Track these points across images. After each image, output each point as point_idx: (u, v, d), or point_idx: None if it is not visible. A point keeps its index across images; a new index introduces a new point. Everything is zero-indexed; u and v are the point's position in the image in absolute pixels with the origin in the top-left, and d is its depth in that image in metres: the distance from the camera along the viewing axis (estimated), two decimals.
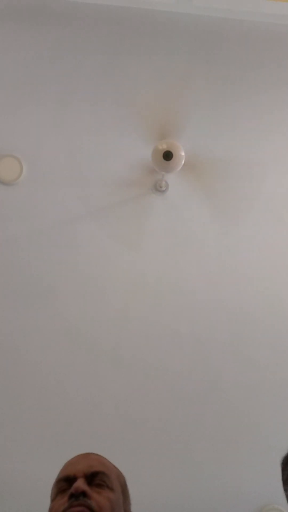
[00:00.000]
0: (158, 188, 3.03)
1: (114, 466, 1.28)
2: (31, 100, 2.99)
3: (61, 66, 2.98)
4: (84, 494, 1.10)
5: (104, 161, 3.03)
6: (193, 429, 3.05)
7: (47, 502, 1.22)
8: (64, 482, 1.17)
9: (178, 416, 3.04)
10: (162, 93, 3.00)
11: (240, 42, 3.03)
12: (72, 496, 1.11)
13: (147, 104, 2.97)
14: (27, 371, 2.97)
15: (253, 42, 3.04)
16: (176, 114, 2.96)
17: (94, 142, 3.02)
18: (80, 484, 1.12)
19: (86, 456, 1.24)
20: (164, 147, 2.81)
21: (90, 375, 3.01)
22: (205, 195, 3.05)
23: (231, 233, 3.10)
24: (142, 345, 3.03)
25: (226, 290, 3.09)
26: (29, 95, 2.99)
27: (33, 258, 3.00)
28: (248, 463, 3.03)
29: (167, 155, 2.79)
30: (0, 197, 2.98)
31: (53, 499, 1.18)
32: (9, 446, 2.93)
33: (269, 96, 3.09)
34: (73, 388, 2.99)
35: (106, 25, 2.96)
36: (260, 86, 3.08)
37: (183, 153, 2.83)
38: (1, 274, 2.98)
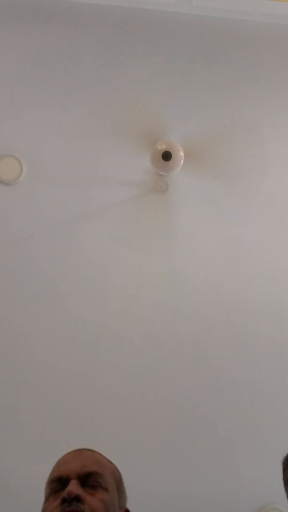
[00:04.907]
0: (158, 188, 3.03)
1: (108, 461, 1.25)
2: (31, 100, 2.99)
3: (61, 66, 2.98)
4: (77, 498, 1.08)
5: (104, 161, 3.03)
6: (193, 429, 3.05)
7: None
8: (57, 483, 1.15)
9: (178, 416, 3.04)
10: (162, 93, 3.00)
11: (240, 42, 3.03)
12: (64, 500, 1.08)
13: (147, 104, 2.97)
14: (27, 370, 2.97)
15: (253, 42, 3.04)
16: (175, 114, 2.96)
17: (94, 142, 3.02)
18: (73, 488, 1.09)
19: (79, 453, 1.21)
20: (163, 147, 2.82)
21: (90, 375, 3.01)
22: (205, 195, 3.05)
23: (231, 233, 3.10)
24: (142, 345, 3.03)
25: (226, 290, 3.09)
26: (29, 95, 2.99)
27: (33, 258, 3.00)
28: (248, 463, 3.03)
29: (166, 156, 2.80)
30: (0, 197, 2.98)
31: (46, 500, 1.16)
32: (8, 445, 2.93)
33: (269, 95, 3.09)
34: (73, 387, 2.99)
35: (106, 25, 2.96)
36: (260, 86, 3.09)
37: (182, 153, 2.83)
38: (1, 274, 2.98)
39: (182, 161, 2.85)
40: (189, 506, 2.95)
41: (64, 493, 1.09)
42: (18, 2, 2.90)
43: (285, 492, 1.34)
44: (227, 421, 3.05)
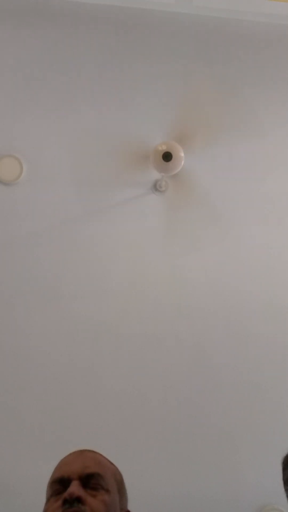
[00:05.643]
0: (158, 188, 3.03)
1: (110, 463, 1.26)
2: (32, 100, 2.99)
3: (61, 66, 2.98)
4: (78, 499, 1.09)
5: (104, 161, 3.03)
6: (193, 429, 3.05)
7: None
8: (59, 484, 1.15)
9: (178, 416, 3.04)
10: (162, 93, 3.00)
11: (240, 42, 3.03)
12: (66, 501, 1.09)
13: (147, 104, 2.97)
14: (27, 370, 2.97)
15: (253, 42, 3.04)
16: (175, 114, 2.96)
17: (94, 142, 3.02)
18: (75, 489, 1.10)
19: (81, 454, 1.22)
20: (163, 148, 2.82)
21: (90, 374, 3.01)
22: (205, 195, 3.05)
23: (231, 233, 3.10)
24: (142, 345, 3.03)
25: (226, 289, 3.09)
26: (29, 95, 2.99)
27: (33, 258, 3.00)
28: (248, 463, 3.03)
29: (167, 156, 2.80)
30: (0, 197, 2.98)
31: (47, 501, 1.16)
32: (8, 445, 2.93)
33: (269, 95, 3.09)
34: (74, 387, 2.99)
35: (106, 25, 2.96)
36: (260, 86, 3.09)
37: (182, 154, 2.83)
38: (1, 274, 2.98)
39: (183, 162, 2.85)
40: (189, 506, 2.95)
41: (66, 494, 1.10)
42: (18, 2, 2.90)
43: (285, 492, 1.34)
44: (227, 421, 3.05)
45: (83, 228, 3.04)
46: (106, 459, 1.25)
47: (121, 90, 3.00)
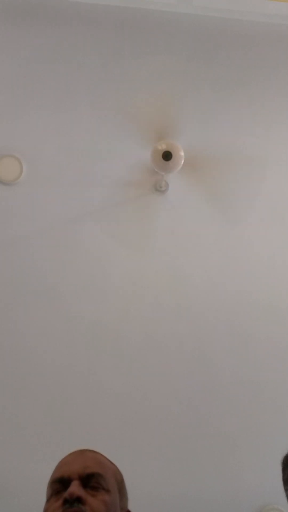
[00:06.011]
0: (158, 188, 3.03)
1: (110, 462, 1.26)
2: (31, 100, 2.99)
3: (61, 67, 2.98)
4: (78, 499, 1.09)
5: (104, 161, 3.03)
6: (193, 429, 3.05)
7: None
8: (59, 484, 1.15)
9: (178, 416, 3.04)
10: (162, 93, 3.00)
11: (240, 42, 3.04)
12: (66, 501, 1.09)
13: (147, 104, 2.97)
14: (27, 370, 2.97)
15: (253, 42, 3.04)
16: (176, 114, 2.96)
17: (94, 142, 3.02)
18: (75, 489, 1.10)
19: (81, 454, 1.22)
20: (163, 147, 2.82)
21: (90, 375, 3.01)
22: (205, 194, 3.05)
23: (231, 232, 3.10)
24: (142, 345, 3.03)
25: (226, 289, 3.09)
26: (29, 95, 2.99)
27: (33, 258, 3.00)
28: (248, 463, 3.03)
29: (167, 156, 2.80)
30: (0, 197, 2.99)
31: (47, 500, 1.16)
32: (8, 445, 2.93)
33: (269, 95, 3.10)
34: (73, 388, 2.99)
35: (106, 25, 2.96)
36: (260, 86, 3.09)
37: (182, 153, 2.83)
38: (1, 274, 2.98)
39: (182, 161, 2.85)
40: (189, 507, 2.95)
41: (66, 494, 1.10)
42: (18, 2, 2.90)
43: (285, 492, 1.34)
44: (227, 421, 3.05)
45: (83, 228, 3.04)
46: (107, 459, 1.25)
47: (121, 90, 3.00)
